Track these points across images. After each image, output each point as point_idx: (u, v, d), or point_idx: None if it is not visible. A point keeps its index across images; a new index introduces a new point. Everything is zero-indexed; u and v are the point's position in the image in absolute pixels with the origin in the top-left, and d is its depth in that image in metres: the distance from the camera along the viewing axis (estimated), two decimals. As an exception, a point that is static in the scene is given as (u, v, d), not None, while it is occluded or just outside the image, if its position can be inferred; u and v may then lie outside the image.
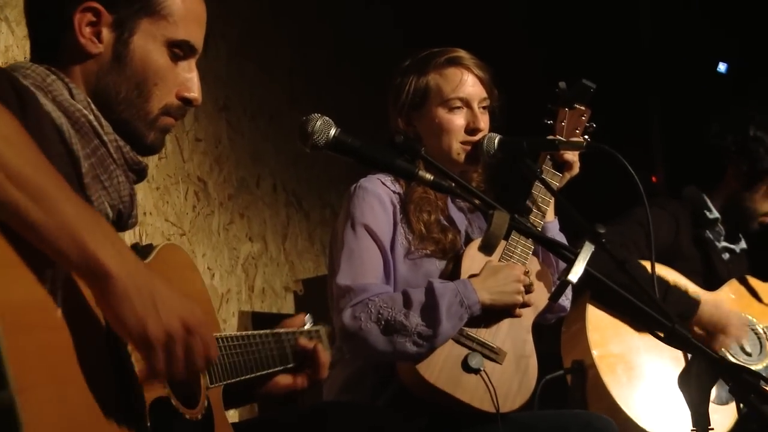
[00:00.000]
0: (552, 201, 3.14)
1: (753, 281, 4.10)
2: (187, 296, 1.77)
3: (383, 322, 2.85)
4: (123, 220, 1.99)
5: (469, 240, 3.15)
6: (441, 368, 2.88)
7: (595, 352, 3.67)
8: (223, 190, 4.89)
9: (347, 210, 3.01)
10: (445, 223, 3.12)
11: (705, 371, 2.06)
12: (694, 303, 3.76)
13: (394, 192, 3.05)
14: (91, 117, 1.91)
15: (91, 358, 1.66)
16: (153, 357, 1.68)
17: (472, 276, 2.97)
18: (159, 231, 4.33)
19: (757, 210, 4.04)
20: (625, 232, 3.85)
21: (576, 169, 3.18)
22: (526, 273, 3.00)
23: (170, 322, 1.68)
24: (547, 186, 3.02)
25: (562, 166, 3.15)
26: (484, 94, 3.15)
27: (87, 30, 1.95)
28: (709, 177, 4.13)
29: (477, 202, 2.31)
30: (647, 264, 3.73)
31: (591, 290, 3.72)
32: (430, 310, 2.86)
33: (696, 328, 3.76)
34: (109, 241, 1.62)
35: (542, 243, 2.47)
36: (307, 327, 2.51)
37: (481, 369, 2.90)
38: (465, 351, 2.91)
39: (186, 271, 2.14)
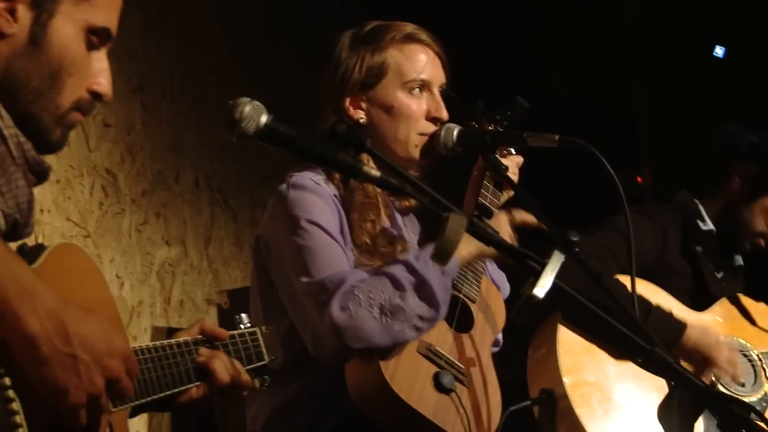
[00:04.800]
0: (499, 213, 3.16)
1: (746, 301, 4.16)
2: (88, 307, 1.88)
3: (376, 308, 2.83)
4: (18, 230, 2.00)
5: None
6: (411, 385, 2.87)
7: (566, 380, 3.70)
8: (135, 185, 4.88)
9: (286, 212, 2.99)
10: (393, 231, 3.13)
11: (688, 402, 2.09)
12: (678, 327, 3.81)
13: (330, 195, 3.03)
14: None
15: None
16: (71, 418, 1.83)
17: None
18: (58, 232, 4.32)
19: (753, 225, 4.09)
20: (603, 243, 3.88)
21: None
22: None
23: (93, 384, 1.83)
24: (513, 185, 3.05)
25: (501, 184, 3.17)
26: (444, 78, 3.18)
27: (0, 6, 1.95)
28: (707, 180, 4.18)
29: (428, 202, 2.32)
30: (627, 279, 3.77)
31: (563, 309, 3.75)
32: (424, 288, 2.87)
33: (681, 357, 3.80)
34: (31, 295, 1.76)
35: (504, 250, 2.48)
36: (242, 329, 2.52)
37: (454, 390, 2.92)
38: (434, 368, 2.93)
39: (85, 275, 2.14)
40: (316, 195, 2.99)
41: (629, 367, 3.72)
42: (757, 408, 3.85)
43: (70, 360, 1.80)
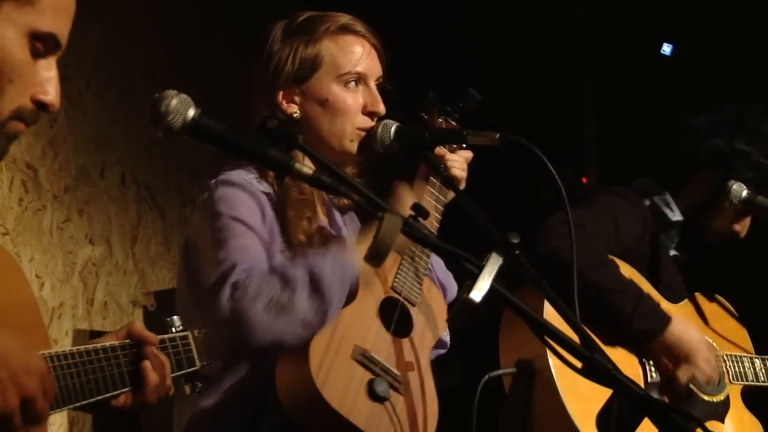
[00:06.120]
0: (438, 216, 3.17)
1: (701, 300, 4.20)
2: (7, 310, 1.89)
3: (261, 302, 2.79)
4: None
5: None
6: (343, 393, 2.86)
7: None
8: (58, 180, 4.84)
9: (210, 209, 2.98)
10: (330, 230, 3.13)
11: (628, 411, 2.11)
12: (664, 320, 3.81)
13: (263, 192, 3.02)
14: None
15: None
16: None
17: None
18: (-25, 229, 4.28)
19: (715, 231, 4.13)
20: (597, 220, 3.89)
21: (461, 186, 3.21)
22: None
23: (6, 402, 1.84)
24: (452, 186, 3.05)
25: (448, 181, 3.17)
26: (381, 71, 3.18)
27: None
28: (669, 179, 4.21)
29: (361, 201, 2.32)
30: (621, 263, 3.80)
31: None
32: (317, 283, 2.84)
33: (659, 351, 3.80)
34: None
35: (442, 253, 2.49)
36: (173, 332, 2.51)
37: (388, 398, 2.92)
38: (369, 375, 2.93)
39: (4, 274, 2.12)
40: (244, 191, 2.96)
41: (614, 351, 3.70)
42: (720, 409, 3.89)
43: None
